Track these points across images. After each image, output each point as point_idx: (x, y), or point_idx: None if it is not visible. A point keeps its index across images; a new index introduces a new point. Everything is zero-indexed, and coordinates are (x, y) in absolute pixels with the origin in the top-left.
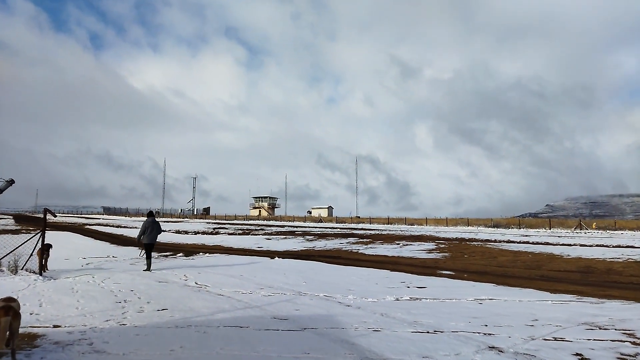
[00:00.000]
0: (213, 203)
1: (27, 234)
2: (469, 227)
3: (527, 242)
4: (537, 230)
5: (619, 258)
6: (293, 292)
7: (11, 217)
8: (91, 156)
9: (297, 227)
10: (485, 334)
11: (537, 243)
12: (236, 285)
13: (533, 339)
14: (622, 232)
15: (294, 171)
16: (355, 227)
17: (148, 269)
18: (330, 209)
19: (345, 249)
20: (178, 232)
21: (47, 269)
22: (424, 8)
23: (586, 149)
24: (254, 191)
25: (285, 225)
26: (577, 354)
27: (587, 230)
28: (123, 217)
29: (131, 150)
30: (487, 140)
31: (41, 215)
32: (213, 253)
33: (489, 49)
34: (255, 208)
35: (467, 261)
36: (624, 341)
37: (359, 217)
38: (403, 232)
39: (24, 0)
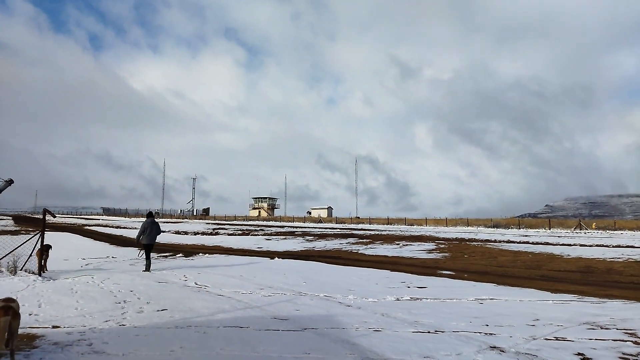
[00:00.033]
0: (213, 204)
1: (27, 235)
2: (469, 227)
3: (527, 242)
4: (537, 230)
5: (619, 258)
6: (293, 293)
7: (10, 217)
8: (91, 157)
9: (296, 227)
10: (486, 333)
11: (537, 243)
12: (236, 286)
13: (534, 339)
14: (621, 232)
15: (294, 171)
16: (355, 227)
17: (147, 269)
18: (329, 209)
19: (345, 249)
20: (178, 232)
21: (46, 270)
22: (424, 8)
23: (586, 149)
24: (253, 192)
25: (285, 226)
26: (579, 354)
27: (586, 231)
28: (122, 218)
29: (131, 150)
30: (487, 140)
31: (40, 216)
32: (213, 253)
33: (489, 49)
34: (254, 209)
35: (467, 261)
36: (626, 341)
37: (358, 217)
38: (403, 233)
39: (24, 1)
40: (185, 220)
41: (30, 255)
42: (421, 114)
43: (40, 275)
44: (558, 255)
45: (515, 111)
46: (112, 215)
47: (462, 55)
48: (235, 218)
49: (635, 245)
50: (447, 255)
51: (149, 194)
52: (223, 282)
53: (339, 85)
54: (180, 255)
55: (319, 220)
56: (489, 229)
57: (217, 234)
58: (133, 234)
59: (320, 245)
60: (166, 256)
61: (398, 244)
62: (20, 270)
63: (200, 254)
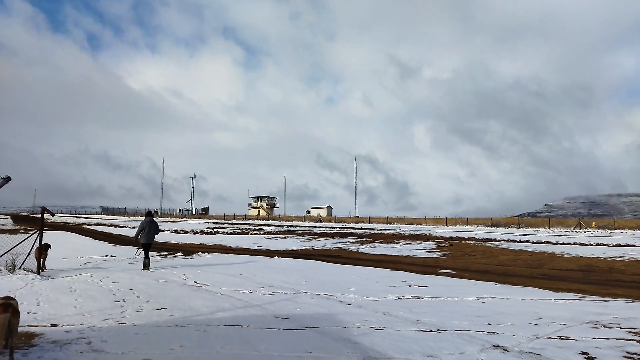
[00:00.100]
0: (212, 203)
1: (25, 234)
2: (469, 227)
3: (527, 241)
4: (537, 229)
5: (620, 257)
6: (293, 291)
7: (9, 216)
8: (89, 156)
9: (296, 226)
10: (489, 332)
11: (537, 242)
12: (236, 284)
13: (538, 338)
14: (621, 231)
15: (293, 171)
16: (355, 226)
17: (146, 267)
18: (329, 208)
19: (345, 248)
20: (177, 231)
21: (45, 269)
22: (424, 8)
23: (585, 148)
24: (252, 191)
25: (284, 225)
26: (583, 353)
27: (586, 230)
28: (121, 217)
29: (129, 150)
30: (487, 140)
31: (39, 215)
32: (212, 252)
33: (489, 49)
34: (254, 208)
35: (467, 260)
36: (630, 340)
37: (358, 216)
38: (402, 232)
39: (22, 0)
40: (185, 219)
41: (29, 253)
42: (421, 114)
43: (38, 273)
44: (559, 254)
45: (515, 111)
46: (111, 215)
47: (461, 55)
48: (234, 217)
49: (636, 244)
50: (447, 254)
51: (148, 193)
52: (223, 280)
53: (339, 85)
54: (180, 254)
55: (319, 219)
56: (489, 228)
57: (216, 233)
58: (132, 233)
59: (320, 244)
60: (165, 255)
61: (398, 243)
62: (19, 268)
63: (200, 252)
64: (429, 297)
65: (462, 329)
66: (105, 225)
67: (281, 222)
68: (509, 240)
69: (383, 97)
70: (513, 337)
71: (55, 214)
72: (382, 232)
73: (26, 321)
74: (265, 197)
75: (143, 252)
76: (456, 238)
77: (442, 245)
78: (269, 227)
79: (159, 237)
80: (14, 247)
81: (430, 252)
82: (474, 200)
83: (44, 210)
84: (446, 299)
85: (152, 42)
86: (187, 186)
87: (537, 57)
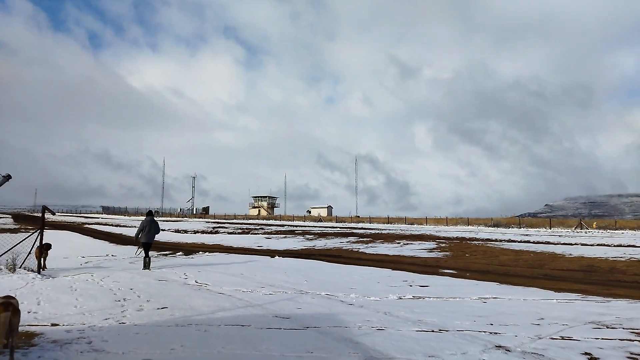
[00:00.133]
0: (212, 202)
1: (26, 233)
2: (469, 227)
3: (528, 242)
4: (538, 229)
5: (621, 257)
6: (294, 291)
7: (10, 216)
8: (90, 155)
9: (296, 226)
10: (491, 332)
11: (538, 242)
12: (237, 284)
13: (540, 338)
14: (622, 231)
15: (294, 171)
16: (355, 226)
17: (146, 267)
18: (329, 208)
19: (346, 248)
20: (177, 231)
21: (45, 268)
22: (424, 8)
23: (585, 149)
24: (253, 191)
25: (285, 225)
26: (585, 353)
27: (587, 230)
28: (122, 217)
29: (130, 149)
30: (487, 140)
31: (40, 215)
32: (213, 252)
33: (489, 49)
34: (254, 207)
35: (468, 260)
36: (633, 340)
37: (358, 216)
38: (403, 232)
39: None
40: (185, 218)
41: (30, 253)
42: (421, 114)
43: (39, 273)
44: (560, 255)
45: (515, 111)
46: (112, 214)
47: (461, 55)
48: (235, 217)
49: (637, 245)
50: (448, 254)
51: (149, 192)
52: (223, 280)
53: (339, 85)
54: (180, 253)
55: (319, 219)
56: (490, 228)
57: (217, 232)
58: (133, 232)
59: (320, 244)
60: (166, 254)
61: (399, 243)
62: (20, 268)
63: (200, 252)
64: (430, 297)
65: (464, 329)
66: (105, 224)
67: (282, 221)
68: (509, 241)
69: (383, 97)
70: (515, 337)
71: (56, 213)
72: (383, 232)
73: (26, 320)
74: (265, 196)
75: (143, 251)
76: (457, 238)
77: (443, 245)
78: (269, 227)
79: (160, 237)
80: (15, 246)
81: (431, 252)
82: (474, 201)
83: (44, 209)
84: (447, 299)
85: (153, 41)
86: (188, 186)
87: (537, 57)
